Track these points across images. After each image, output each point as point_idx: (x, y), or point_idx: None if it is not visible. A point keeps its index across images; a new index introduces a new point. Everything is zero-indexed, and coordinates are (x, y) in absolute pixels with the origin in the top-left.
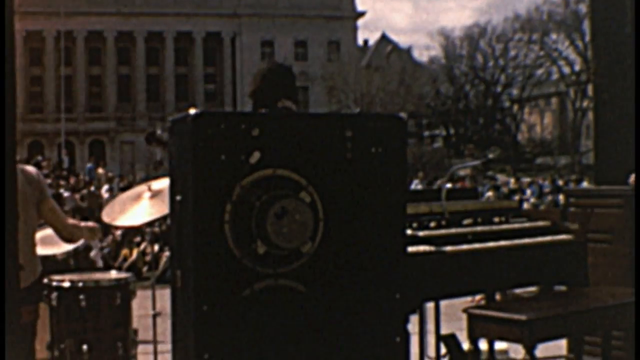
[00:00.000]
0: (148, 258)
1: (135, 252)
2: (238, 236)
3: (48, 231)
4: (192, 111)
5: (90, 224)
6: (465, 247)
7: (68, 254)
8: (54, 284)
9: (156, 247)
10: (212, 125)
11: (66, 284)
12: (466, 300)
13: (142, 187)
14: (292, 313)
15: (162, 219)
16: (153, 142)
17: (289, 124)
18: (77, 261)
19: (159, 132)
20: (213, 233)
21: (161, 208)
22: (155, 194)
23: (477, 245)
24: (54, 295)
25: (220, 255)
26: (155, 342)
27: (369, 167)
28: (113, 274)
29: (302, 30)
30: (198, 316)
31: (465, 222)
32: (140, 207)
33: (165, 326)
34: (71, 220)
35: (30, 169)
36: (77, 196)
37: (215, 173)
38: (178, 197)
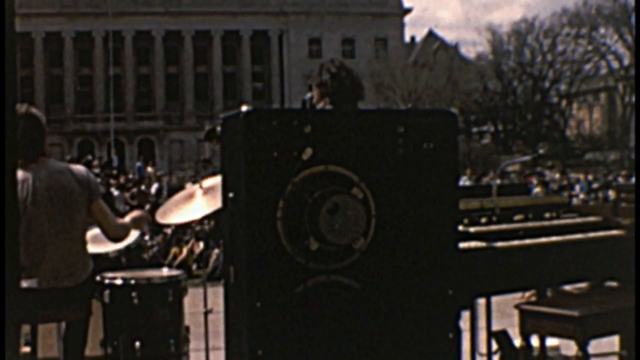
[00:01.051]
0: (195, 255)
1: (185, 250)
2: (290, 233)
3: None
4: (244, 108)
5: (134, 213)
6: (516, 242)
7: (120, 252)
8: (107, 281)
9: (201, 245)
10: (264, 122)
11: (119, 282)
12: (515, 297)
13: (194, 187)
14: (345, 309)
15: (212, 215)
16: (213, 139)
17: (341, 120)
18: (129, 259)
19: (218, 129)
20: (265, 230)
21: (213, 203)
22: (207, 191)
23: (528, 241)
24: (107, 292)
25: (272, 252)
26: (206, 339)
27: (421, 163)
28: (165, 271)
29: (350, 28)
30: (251, 313)
31: (516, 217)
32: (193, 205)
33: (216, 323)
34: (120, 220)
35: (80, 168)
36: (127, 195)
37: (268, 170)
38: (231, 194)
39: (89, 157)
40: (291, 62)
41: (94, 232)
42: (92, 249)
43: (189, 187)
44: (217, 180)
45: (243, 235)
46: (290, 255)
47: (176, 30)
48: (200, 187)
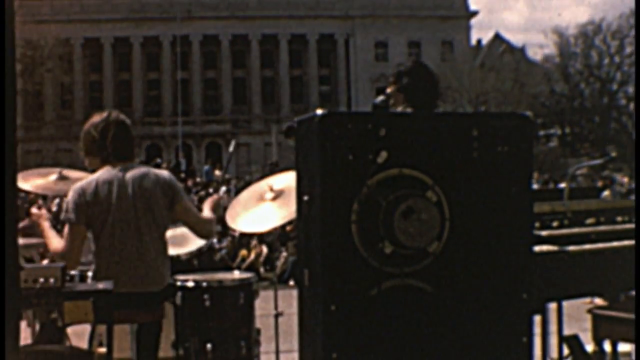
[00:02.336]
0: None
1: (253, 253)
2: (365, 236)
3: (173, 231)
4: (319, 111)
5: (208, 202)
6: (588, 246)
7: (192, 254)
8: (179, 283)
9: (264, 248)
10: (339, 126)
11: (190, 284)
12: (584, 301)
13: (263, 186)
14: (419, 313)
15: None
16: (292, 136)
17: (415, 123)
18: (200, 261)
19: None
20: (340, 233)
21: (284, 212)
22: (277, 195)
23: (600, 245)
24: (179, 294)
25: (347, 255)
26: (277, 341)
27: (496, 166)
28: (236, 274)
29: (416, 31)
30: (326, 316)
31: (588, 221)
32: (263, 210)
33: (285, 326)
34: (203, 216)
35: (163, 172)
36: (195, 198)
37: (343, 173)
38: (305, 197)
39: (158, 160)
40: (357, 66)
41: (168, 233)
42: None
43: (258, 185)
44: (287, 182)
45: (318, 238)
46: (364, 258)
47: (243, 34)
48: (271, 188)
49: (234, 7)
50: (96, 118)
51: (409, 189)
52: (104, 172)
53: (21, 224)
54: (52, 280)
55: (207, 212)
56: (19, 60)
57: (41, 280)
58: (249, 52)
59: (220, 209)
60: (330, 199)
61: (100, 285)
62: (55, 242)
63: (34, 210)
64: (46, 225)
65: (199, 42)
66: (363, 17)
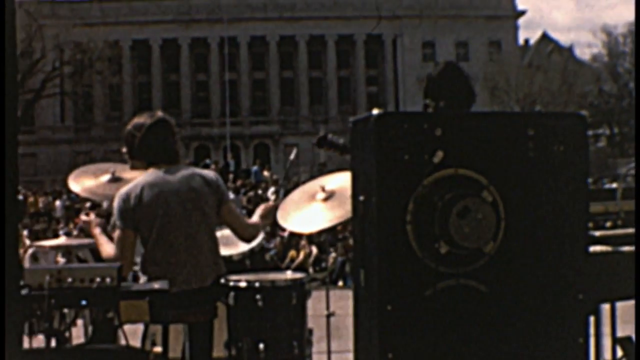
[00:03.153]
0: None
1: (302, 254)
2: (420, 236)
3: (224, 232)
4: (375, 111)
5: (261, 208)
6: None
7: (244, 255)
8: (231, 283)
9: (314, 249)
10: (395, 126)
11: (243, 284)
12: None
13: (315, 186)
14: (474, 313)
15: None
16: (324, 146)
17: (471, 123)
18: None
19: (330, 135)
20: (396, 233)
21: (335, 214)
22: (329, 196)
23: None
24: (231, 295)
25: (403, 255)
26: (328, 341)
27: (551, 166)
28: (289, 274)
29: (463, 31)
30: (382, 316)
31: None
32: (313, 210)
33: (337, 326)
34: (250, 220)
35: (210, 172)
36: (244, 198)
37: (399, 173)
38: (361, 197)
39: (207, 161)
40: (405, 66)
41: (218, 234)
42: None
43: (310, 184)
44: (340, 184)
45: (373, 238)
46: (419, 258)
47: (290, 35)
48: (322, 189)
49: (282, 8)
50: (138, 119)
51: (464, 189)
52: (149, 175)
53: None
54: (108, 279)
55: (256, 217)
56: (70, 62)
57: (98, 279)
58: (297, 53)
59: (272, 216)
60: (386, 199)
61: (156, 285)
62: (107, 248)
63: (82, 217)
64: (97, 231)
65: (247, 44)
66: (410, 17)
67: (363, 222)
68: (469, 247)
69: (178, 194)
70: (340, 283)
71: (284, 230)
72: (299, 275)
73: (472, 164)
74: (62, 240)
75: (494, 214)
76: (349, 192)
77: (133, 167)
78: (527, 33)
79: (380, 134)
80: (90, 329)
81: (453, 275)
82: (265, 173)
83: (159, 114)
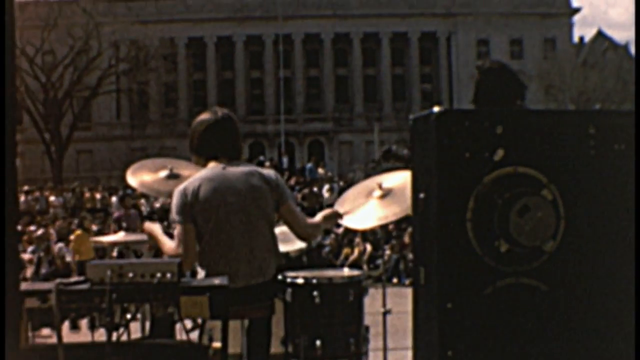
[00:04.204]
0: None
1: (356, 251)
2: (480, 234)
3: (281, 229)
4: (436, 109)
5: (327, 211)
6: None
7: (301, 251)
8: (289, 280)
9: (368, 246)
10: (456, 123)
11: (300, 281)
12: None
13: (372, 184)
14: (534, 312)
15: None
16: (391, 159)
17: (532, 121)
18: (309, 258)
19: (394, 147)
20: (455, 231)
21: (390, 211)
22: (385, 194)
23: None
24: (289, 291)
25: (462, 253)
26: (384, 339)
27: (612, 165)
28: (346, 271)
29: (517, 28)
30: (442, 314)
31: None
32: (369, 207)
33: (393, 323)
34: (310, 220)
35: (270, 171)
36: (299, 196)
37: (459, 171)
38: (421, 195)
39: (261, 158)
40: (459, 64)
41: (276, 230)
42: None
43: (367, 181)
44: (397, 182)
45: (434, 236)
46: (479, 256)
47: (345, 32)
48: (380, 186)
49: (336, 5)
50: (204, 115)
51: (524, 187)
52: (208, 171)
53: (116, 214)
54: (169, 275)
55: (318, 217)
56: (126, 60)
57: (158, 275)
58: (351, 50)
59: (334, 221)
60: (446, 197)
61: (217, 281)
62: (169, 245)
63: (146, 224)
64: (158, 232)
65: (301, 41)
66: (464, 14)
67: (423, 220)
68: (528, 246)
69: (236, 190)
70: (395, 280)
71: (338, 227)
72: (355, 272)
73: (533, 162)
74: (120, 236)
75: (554, 213)
76: (406, 190)
77: (196, 163)
78: (582, 30)
79: (441, 132)
80: (147, 324)
81: (513, 274)
82: (320, 170)
83: (222, 111)
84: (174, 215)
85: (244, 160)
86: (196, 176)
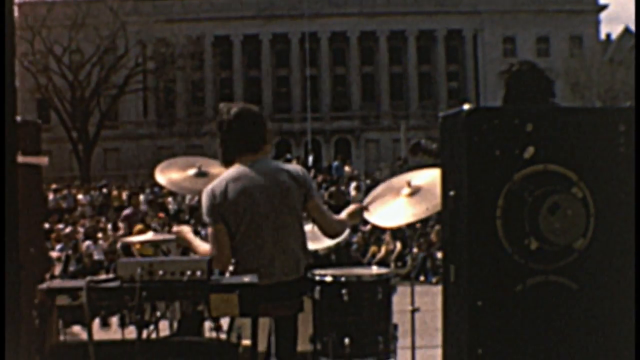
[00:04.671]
0: (394, 255)
1: (384, 249)
2: (509, 231)
3: (310, 227)
4: (466, 107)
5: (351, 207)
6: None
7: (329, 249)
8: (317, 278)
9: (398, 245)
10: (486, 121)
11: (328, 279)
12: None
13: (401, 181)
14: (564, 310)
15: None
16: (419, 152)
17: (561, 118)
18: (338, 256)
19: (423, 142)
20: (485, 228)
21: (418, 210)
22: (414, 192)
23: None
24: (317, 289)
25: (492, 251)
26: (413, 337)
27: None
28: (374, 269)
29: (544, 26)
30: (472, 311)
31: None
32: (397, 204)
33: (421, 321)
34: (336, 217)
35: (297, 167)
36: (325, 194)
37: (489, 168)
38: (451, 193)
39: (287, 156)
40: (486, 61)
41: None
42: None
43: (396, 179)
44: (426, 180)
45: (464, 233)
46: (509, 254)
47: (371, 30)
48: (408, 184)
49: (362, 3)
50: (225, 108)
51: (554, 184)
52: (234, 170)
53: (126, 212)
54: (198, 272)
55: (344, 214)
56: (152, 58)
57: (188, 272)
58: (377, 48)
59: (359, 217)
60: (476, 195)
61: (246, 279)
62: (203, 248)
63: (174, 228)
64: (190, 236)
65: (328, 39)
66: (491, 12)
67: (453, 218)
68: (559, 244)
69: (264, 188)
70: (422, 278)
71: (366, 225)
72: (384, 270)
73: (562, 160)
74: (149, 235)
75: (584, 210)
76: (435, 188)
77: (222, 157)
78: (609, 27)
79: (471, 129)
80: (175, 321)
81: (543, 272)
82: (347, 168)
83: (242, 104)
84: (205, 217)
85: (270, 156)
86: (223, 176)
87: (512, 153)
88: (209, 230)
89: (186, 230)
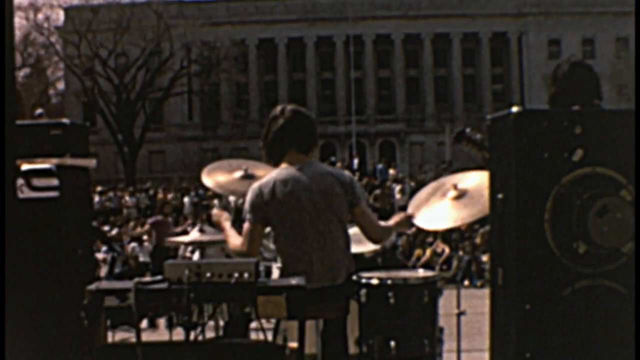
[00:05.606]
0: (442, 258)
1: (428, 252)
2: (558, 235)
3: (356, 230)
4: (514, 109)
5: (400, 215)
6: None
7: (375, 252)
8: (363, 281)
9: (446, 248)
10: (534, 123)
11: (375, 281)
12: None
13: (447, 183)
14: (612, 314)
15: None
16: (463, 141)
17: (611, 121)
18: (384, 259)
19: (468, 130)
20: (533, 232)
21: (464, 213)
22: (460, 195)
23: None
24: (363, 292)
25: (540, 254)
26: (458, 340)
27: None
28: (420, 272)
29: (589, 28)
30: (520, 315)
31: None
32: (442, 207)
33: (467, 325)
34: (383, 223)
35: (344, 172)
36: (370, 197)
37: (538, 171)
38: (499, 196)
39: (332, 159)
40: (530, 64)
41: (350, 232)
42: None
43: (442, 180)
44: (473, 183)
45: (512, 237)
46: (557, 257)
47: (415, 33)
48: (454, 187)
49: (407, 6)
50: (280, 107)
51: (603, 187)
52: (282, 171)
53: (151, 220)
54: (246, 274)
55: (391, 222)
56: (197, 61)
57: (236, 274)
58: (422, 51)
59: (407, 225)
60: (525, 198)
61: (294, 281)
62: (235, 240)
63: (214, 211)
64: (227, 225)
65: (372, 42)
66: (535, 14)
67: (501, 221)
68: (607, 247)
69: (310, 192)
70: (466, 282)
71: (411, 227)
72: (430, 273)
73: (611, 163)
74: (195, 236)
75: (633, 213)
76: (482, 191)
77: (267, 161)
78: None
79: (519, 132)
80: (221, 323)
81: (591, 275)
82: (391, 171)
83: (294, 106)
84: (246, 211)
85: (314, 161)
86: (272, 175)
87: (560, 156)
88: (246, 225)
89: (225, 216)
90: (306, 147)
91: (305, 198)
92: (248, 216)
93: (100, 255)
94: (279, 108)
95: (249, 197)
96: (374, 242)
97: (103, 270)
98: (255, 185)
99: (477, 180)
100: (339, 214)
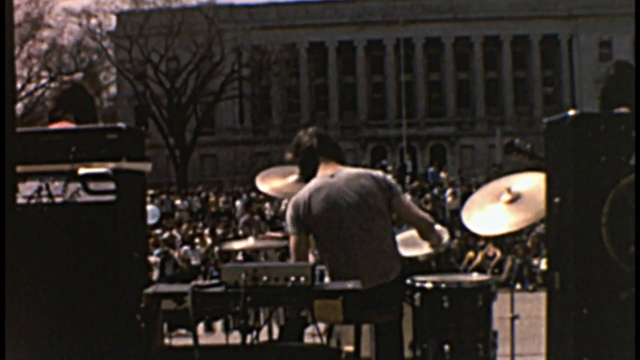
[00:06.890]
0: (493, 262)
1: (480, 256)
2: (615, 239)
3: (409, 233)
4: (571, 112)
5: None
6: None
7: (429, 256)
8: (417, 284)
9: (498, 252)
10: (591, 127)
11: (429, 285)
12: None
13: (500, 187)
14: None
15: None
16: (513, 152)
17: None
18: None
19: (516, 141)
20: (591, 235)
21: (518, 218)
22: (514, 199)
23: None
24: (417, 295)
25: (598, 258)
26: (512, 344)
27: None
28: (474, 276)
29: None
30: (577, 319)
31: None
32: (495, 211)
33: (521, 329)
34: (422, 212)
35: (377, 172)
36: (421, 200)
37: (595, 175)
38: (556, 199)
39: (383, 162)
40: (581, 66)
41: (404, 235)
42: (403, 252)
43: (496, 183)
44: (527, 186)
45: (570, 241)
46: (614, 261)
47: (465, 36)
48: (508, 190)
49: (456, 9)
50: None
51: None
52: (315, 181)
53: (243, 219)
54: (302, 278)
55: (438, 226)
56: (248, 65)
57: (292, 278)
58: (472, 54)
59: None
60: (582, 201)
61: (350, 285)
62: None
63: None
64: None
65: (422, 45)
66: (586, 16)
67: (558, 225)
68: None
69: (347, 194)
70: (518, 286)
71: (464, 231)
72: (484, 277)
73: None
74: (250, 242)
75: None
76: (535, 195)
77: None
78: None
79: (577, 135)
80: (274, 326)
81: None
82: (442, 174)
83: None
84: (288, 227)
85: (362, 164)
86: (307, 187)
87: (618, 159)
88: (292, 240)
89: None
90: (340, 157)
91: (343, 202)
92: (290, 230)
93: (152, 259)
94: (299, 134)
95: (288, 212)
96: (422, 232)
97: (155, 274)
98: (293, 199)
99: (530, 183)
100: (380, 211)
